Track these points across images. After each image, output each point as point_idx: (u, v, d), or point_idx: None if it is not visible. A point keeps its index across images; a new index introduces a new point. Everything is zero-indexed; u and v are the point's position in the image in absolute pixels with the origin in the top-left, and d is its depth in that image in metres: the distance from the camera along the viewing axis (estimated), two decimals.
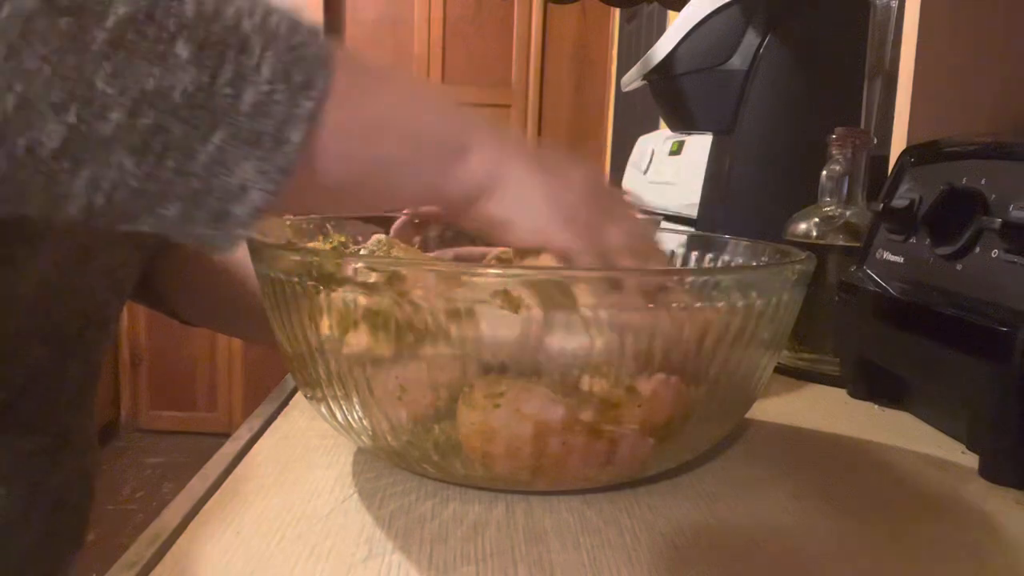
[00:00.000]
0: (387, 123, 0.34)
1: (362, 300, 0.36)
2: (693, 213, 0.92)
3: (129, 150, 0.25)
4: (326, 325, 0.37)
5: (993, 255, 0.46)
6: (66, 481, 0.52)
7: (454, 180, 0.36)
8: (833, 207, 0.64)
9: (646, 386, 0.36)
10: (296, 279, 0.36)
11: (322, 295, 0.36)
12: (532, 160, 0.38)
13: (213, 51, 0.26)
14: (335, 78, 0.29)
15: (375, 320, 0.36)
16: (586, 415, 0.36)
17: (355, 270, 0.36)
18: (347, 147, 0.32)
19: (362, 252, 0.52)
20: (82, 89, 0.24)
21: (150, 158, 0.26)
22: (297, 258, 0.37)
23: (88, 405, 0.53)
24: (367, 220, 0.56)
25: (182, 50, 0.25)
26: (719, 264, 0.54)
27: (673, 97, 0.89)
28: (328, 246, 0.53)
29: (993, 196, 0.47)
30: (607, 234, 0.39)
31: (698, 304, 0.36)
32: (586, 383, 0.36)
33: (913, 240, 0.54)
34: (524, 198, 0.37)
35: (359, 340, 0.36)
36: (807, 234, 0.65)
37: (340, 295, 0.36)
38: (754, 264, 0.51)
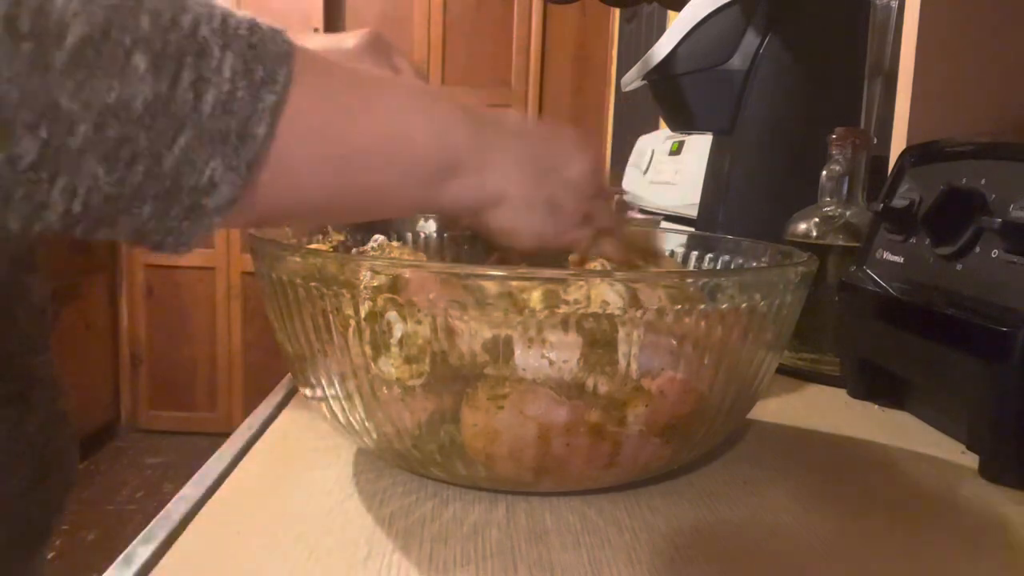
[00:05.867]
0: (372, 148, 0.34)
1: (398, 326, 0.35)
2: (693, 213, 0.92)
3: (100, 159, 0.27)
4: (354, 338, 0.36)
5: (993, 255, 0.46)
6: (44, 425, 0.52)
7: (447, 196, 0.38)
8: (833, 207, 0.64)
9: (653, 384, 0.36)
10: (299, 281, 0.36)
11: (351, 308, 0.36)
12: (529, 170, 0.41)
13: (171, 60, 0.27)
14: (299, 72, 0.30)
15: (411, 349, 0.35)
16: (591, 415, 0.35)
17: (361, 273, 0.36)
18: (321, 152, 0.32)
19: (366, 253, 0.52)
20: (49, 108, 0.25)
21: (120, 165, 0.27)
22: (299, 260, 0.37)
23: (45, 350, 0.54)
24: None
25: (139, 62, 0.26)
26: (719, 264, 0.54)
27: (673, 97, 0.89)
28: (327, 246, 0.53)
29: (993, 196, 0.47)
30: (588, 224, 0.44)
31: (702, 306, 0.36)
32: (591, 383, 0.35)
33: (913, 240, 0.54)
34: (526, 210, 0.41)
35: (389, 365, 0.36)
36: (807, 234, 0.65)
37: (371, 309, 0.35)
38: (756, 265, 0.51)
